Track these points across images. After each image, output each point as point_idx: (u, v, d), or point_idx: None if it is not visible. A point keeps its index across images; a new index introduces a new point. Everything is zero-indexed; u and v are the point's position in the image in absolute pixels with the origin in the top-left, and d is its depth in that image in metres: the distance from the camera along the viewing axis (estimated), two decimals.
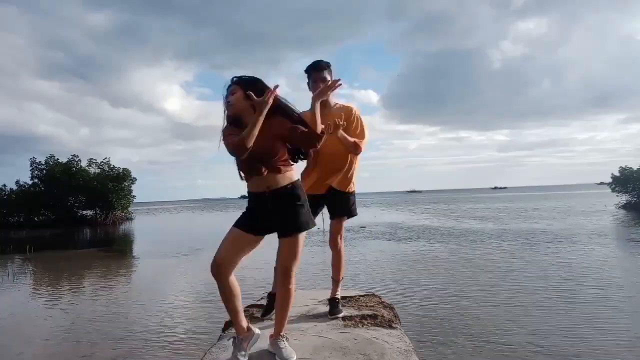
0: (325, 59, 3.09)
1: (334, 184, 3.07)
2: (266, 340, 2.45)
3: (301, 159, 2.52)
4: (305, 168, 3.08)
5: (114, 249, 18.55)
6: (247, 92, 2.23)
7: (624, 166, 31.96)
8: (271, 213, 2.34)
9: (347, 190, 3.11)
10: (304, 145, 2.40)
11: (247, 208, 2.42)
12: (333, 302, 3.06)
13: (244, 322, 2.39)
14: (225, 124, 2.40)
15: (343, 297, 3.30)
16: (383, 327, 2.80)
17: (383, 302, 3.37)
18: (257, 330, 2.44)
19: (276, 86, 2.23)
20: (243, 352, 2.31)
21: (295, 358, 2.28)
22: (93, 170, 33.58)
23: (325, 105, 2.98)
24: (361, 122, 3.09)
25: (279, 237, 2.38)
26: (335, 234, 3.14)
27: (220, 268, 2.27)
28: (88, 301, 8.66)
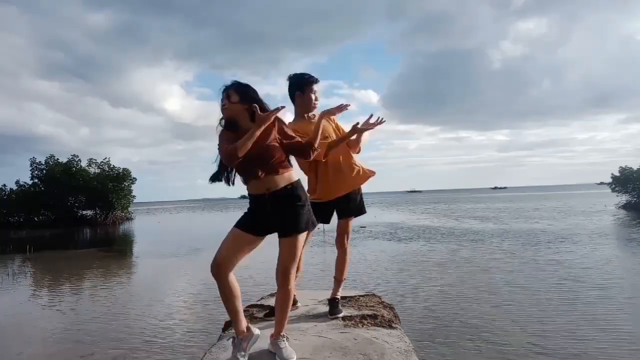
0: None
1: (344, 192, 3.08)
2: (266, 340, 2.45)
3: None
4: (309, 182, 3.09)
5: (114, 249, 18.56)
6: (242, 97, 2.34)
7: (624, 166, 31.97)
8: (271, 214, 2.34)
9: (351, 190, 3.12)
10: (297, 155, 2.52)
11: (248, 209, 2.43)
12: (333, 302, 3.06)
13: (244, 323, 2.39)
14: (221, 128, 2.42)
15: (343, 297, 3.30)
16: (383, 327, 2.79)
17: (383, 302, 3.37)
18: (256, 331, 2.43)
19: (282, 107, 2.28)
20: (243, 353, 2.31)
21: (295, 358, 2.28)
22: (93, 170, 33.60)
23: (308, 117, 3.02)
24: (342, 128, 3.17)
25: (279, 237, 2.39)
26: (342, 233, 3.14)
27: (221, 268, 2.28)
28: (88, 301, 8.67)
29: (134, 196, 35.07)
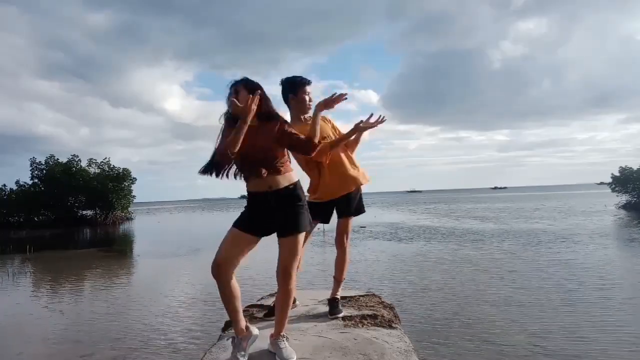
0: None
1: (344, 192, 3.09)
2: (266, 340, 2.45)
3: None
4: (310, 182, 3.10)
5: (114, 249, 18.56)
6: (250, 93, 2.31)
7: (624, 166, 31.98)
8: (274, 211, 2.34)
9: (351, 190, 3.12)
10: (298, 152, 2.53)
11: (246, 207, 2.43)
12: (333, 302, 3.06)
13: (243, 322, 2.39)
14: (223, 124, 2.42)
15: (343, 297, 3.30)
16: (383, 327, 2.79)
17: (383, 302, 3.37)
18: (255, 330, 2.44)
19: (257, 92, 2.29)
20: (242, 352, 2.31)
21: (295, 358, 2.28)
22: (93, 170, 33.61)
23: (304, 119, 3.03)
24: (338, 128, 3.20)
25: (278, 237, 2.39)
26: (342, 233, 3.15)
27: (221, 268, 2.28)
28: (88, 301, 8.67)
29: (134, 196, 35.10)
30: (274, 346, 2.36)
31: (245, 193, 2.46)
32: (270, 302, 3.26)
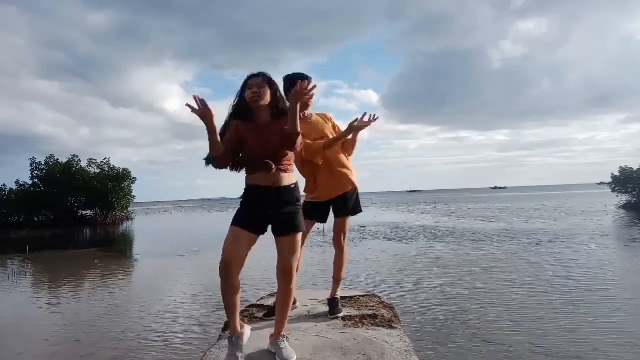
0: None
1: (341, 192, 3.09)
2: (266, 340, 2.44)
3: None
4: (307, 182, 3.10)
5: (114, 249, 18.55)
6: (272, 90, 2.34)
7: (624, 166, 32.00)
8: (274, 208, 2.34)
9: (348, 190, 3.12)
10: (284, 147, 2.35)
11: (243, 204, 2.40)
12: (333, 302, 3.06)
13: (239, 325, 2.40)
14: (227, 116, 2.42)
15: (343, 297, 3.30)
16: (383, 327, 2.79)
17: (383, 302, 3.36)
18: (248, 328, 2.46)
19: (309, 82, 2.28)
20: (241, 353, 2.30)
21: (295, 358, 2.28)
22: (93, 170, 33.60)
23: (304, 116, 3.03)
24: (339, 127, 3.19)
25: (278, 236, 2.38)
26: (339, 232, 3.15)
27: (230, 268, 2.27)
28: (88, 301, 8.66)
29: (134, 196, 35.07)
30: (274, 346, 2.35)
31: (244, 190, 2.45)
32: (270, 302, 3.26)
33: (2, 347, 5.99)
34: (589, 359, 4.81)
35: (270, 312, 3.01)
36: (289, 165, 2.41)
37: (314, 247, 14.29)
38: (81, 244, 21.50)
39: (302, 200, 2.66)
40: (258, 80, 2.34)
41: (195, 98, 2.23)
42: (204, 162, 2.41)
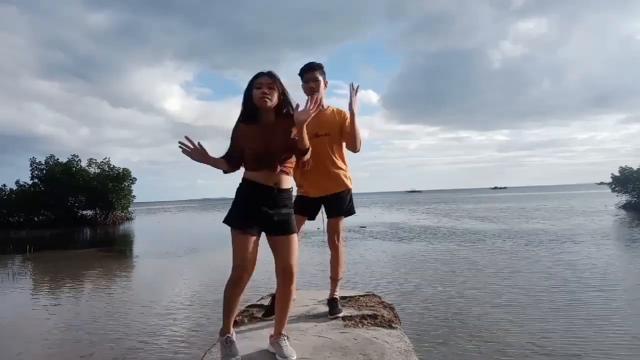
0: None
1: (328, 192, 3.08)
2: (266, 340, 2.45)
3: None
4: (294, 177, 3.10)
5: (114, 249, 18.55)
6: (281, 91, 2.34)
7: (624, 166, 31.98)
8: (272, 208, 2.34)
9: (341, 190, 3.12)
10: (288, 149, 2.39)
11: (239, 203, 2.37)
12: (333, 302, 3.06)
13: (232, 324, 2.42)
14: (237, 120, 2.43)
15: (343, 297, 3.30)
16: (383, 327, 2.79)
17: (383, 302, 3.37)
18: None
19: (315, 99, 2.28)
20: (238, 357, 2.30)
21: (295, 357, 2.28)
22: (93, 170, 33.59)
23: (321, 104, 3.07)
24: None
25: (276, 236, 2.37)
26: (332, 233, 3.14)
27: (246, 274, 2.29)
28: (88, 301, 8.66)
29: (134, 196, 35.06)
30: (275, 345, 2.35)
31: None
32: (269, 302, 3.25)
33: (2, 347, 5.99)
34: (588, 359, 4.81)
35: (268, 311, 3.01)
36: (290, 167, 2.41)
37: (313, 247, 14.29)
38: (81, 244, 21.50)
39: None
40: (267, 80, 2.33)
41: (187, 138, 2.23)
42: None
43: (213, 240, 18.23)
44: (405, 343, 2.54)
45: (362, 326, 2.79)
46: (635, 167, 31.38)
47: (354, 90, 2.89)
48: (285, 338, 2.36)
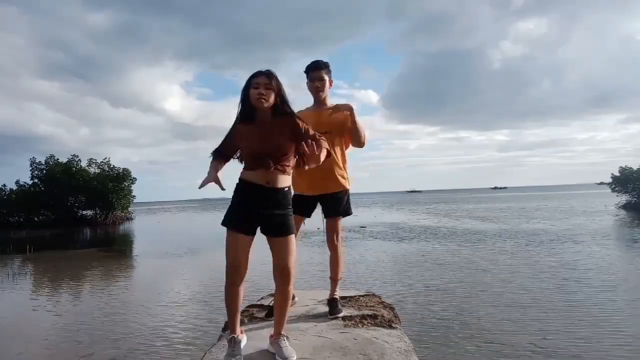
0: (325, 59, 3.14)
1: (326, 191, 3.08)
2: (266, 340, 2.45)
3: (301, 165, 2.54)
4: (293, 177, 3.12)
5: (114, 249, 18.55)
6: (279, 91, 2.34)
7: (624, 166, 32.02)
8: (265, 208, 2.33)
9: (339, 190, 3.11)
10: (302, 157, 2.43)
11: (234, 203, 2.38)
12: (333, 302, 3.06)
13: (239, 325, 2.42)
14: (235, 121, 2.43)
15: (343, 297, 3.29)
16: (383, 327, 2.79)
17: (383, 302, 3.36)
18: (245, 335, 2.49)
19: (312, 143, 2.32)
20: (239, 356, 2.30)
21: (295, 357, 2.28)
22: (93, 170, 33.60)
23: (324, 102, 3.11)
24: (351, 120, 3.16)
25: (273, 237, 2.36)
26: (331, 233, 3.14)
27: (238, 274, 2.31)
28: (88, 301, 8.66)
29: (134, 196, 35.07)
30: (274, 345, 2.35)
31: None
32: (269, 301, 3.25)
33: (2, 347, 5.99)
34: (588, 359, 4.81)
35: (270, 312, 3.01)
36: (287, 166, 2.38)
37: (314, 247, 14.29)
38: (81, 244, 21.50)
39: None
40: (265, 80, 2.32)
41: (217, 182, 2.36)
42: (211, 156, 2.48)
43: (213, 240, 18.23)
44: (405, 343, 2.54)
45: (362, 326, 2.79)
46: (635, 167, 31.43)
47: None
48: (285, 338, 2.36)
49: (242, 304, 2.50)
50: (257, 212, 2.33)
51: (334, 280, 3.16)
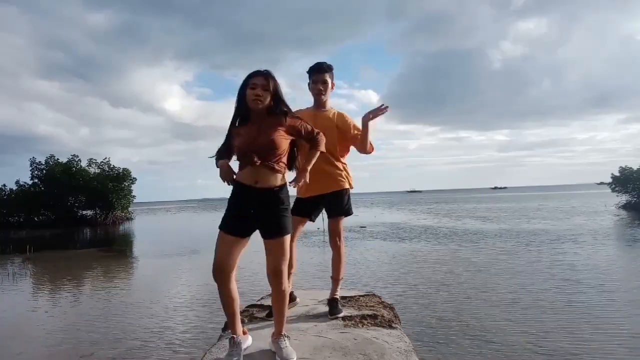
0: (325, 59, 3.17)
1: (325, 191, 3.08)
2: (266, 340, 2.45)
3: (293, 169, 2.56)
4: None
5: (114, 249, 18.55)
6: (275, 90, 2.34)
7: (624, 166, 31.99)
8: (257, 209, 2.32)
9: (338, 189, 3.11)
10: (305, 140, 2.52)
11: (229, 205, 2.39)
12: (333, 302, 3.06)
13: (240, 326, 2.42)
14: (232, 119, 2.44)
15: (343, 297, 3.30)
16: (383, 327, 2.79)
17: (383, 302, 3.36)
18: (250, 338, 2.48)
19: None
20: (239, 356, 2.30)
21: (295, 358, 2.28)
22: (93, 170, 33.60)
23: (324, 105, 3.13)
24: (354, 121, 3.19)
25: (266, 239, 2.36)
26: (333, 233, 3.15)
27: (223, 274, 2.30)
28: (88, 301, 8.66)
29: (134, 196, 35.07)
30: (275, 345, 2.35)
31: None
32: (269, 302, 3.25)
33: (2, 347, 5.99)
34: (588, 359, 4.81)
35: (270, 312, 3.01)
36: (276, 163, 2.33)
37: (314, 247, 14.30)
38: (81, 244, 21.49)
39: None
40: (262, 81, 2.32)
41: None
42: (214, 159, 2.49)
43: (213, 241, 18.07)
44: (405, 343, 2.54)
45: (362, 326, 2.79)
46: (635, 167, 31.41)
47: (381, 111, 3.02)
48: (286, 339, 2.36)
49: (240, 304, 2.50)
50: (247, 213, 2.32)
51: (335, 279, 3.17)
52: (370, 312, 3.02)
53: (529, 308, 6.74)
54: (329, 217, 3.17)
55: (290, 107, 2.46)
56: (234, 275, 2.34)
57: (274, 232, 2.33)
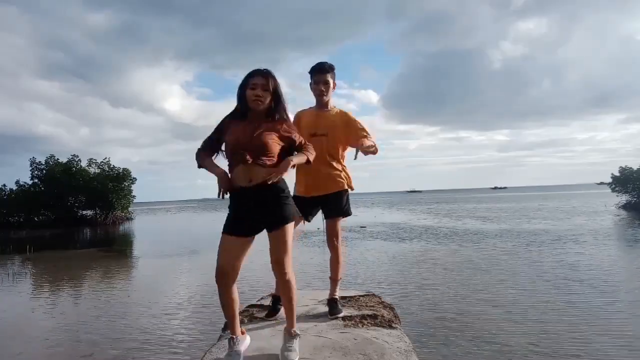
0: (325, 59, 3.16)
1: (324, 192, 3.08)
2: (266, 340, 2.45)
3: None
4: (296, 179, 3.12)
5: (114, 249, 18.55)
6: (275, 90, 2.33)
7: (624, 166, 32.00)
8: (255, 208, 2.31)
9: (337, 190, 3.11)
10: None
11: (230, 208, 2.38)
12: (333, 302, 3.06)
13: (239, 327, 2.42)
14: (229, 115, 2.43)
15: (343, 297, 3.30)
16: (383, 327, 2.79)
17: (383, 302, 3.36)
18: (249, 338, 2.47)
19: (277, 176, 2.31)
20: (239, 356, 2.29)
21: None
22: (93, 170, 33.59)
23: (326, 105, 3.13)
24: (358, 121, 3.17)
25: (268, 232, 2.35)
26: (331, 234, 3.14)
27: (227, 277, 2.29)
28: (88, 301, 8.66)
29: (134, 196, 35.05)
30: (285, 340, 2.34)
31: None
32: (269, 302, 3.25)
33: (2, 347, 5.99)
34: (588, 359, 4.80)
35: (270, 312, 3.01)
36: (269, 160, 2.31)
37: (314, 247, 14.30)
38: (81, 244, 21.49)
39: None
40: (262, 82, 2.30)
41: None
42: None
43: (213, 241, 18.06)
44: (405, 343, 2.54)
45: (362, 326, 2.79)
46: (635, 167, 31.41)
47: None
48: (294, 340, 2.34)
49: (240, 305, 2.49)
50: (244, 213, 2.32)
51: (334, 280, 3.16)
52: (370, 312, 3.02)
53: (529, 308, 6.74)
54: (327, 218, 3.16)
55: (291, 107, 2.47)
56: (235, 278, 2.33)
57: (276, 223, 2.31)
